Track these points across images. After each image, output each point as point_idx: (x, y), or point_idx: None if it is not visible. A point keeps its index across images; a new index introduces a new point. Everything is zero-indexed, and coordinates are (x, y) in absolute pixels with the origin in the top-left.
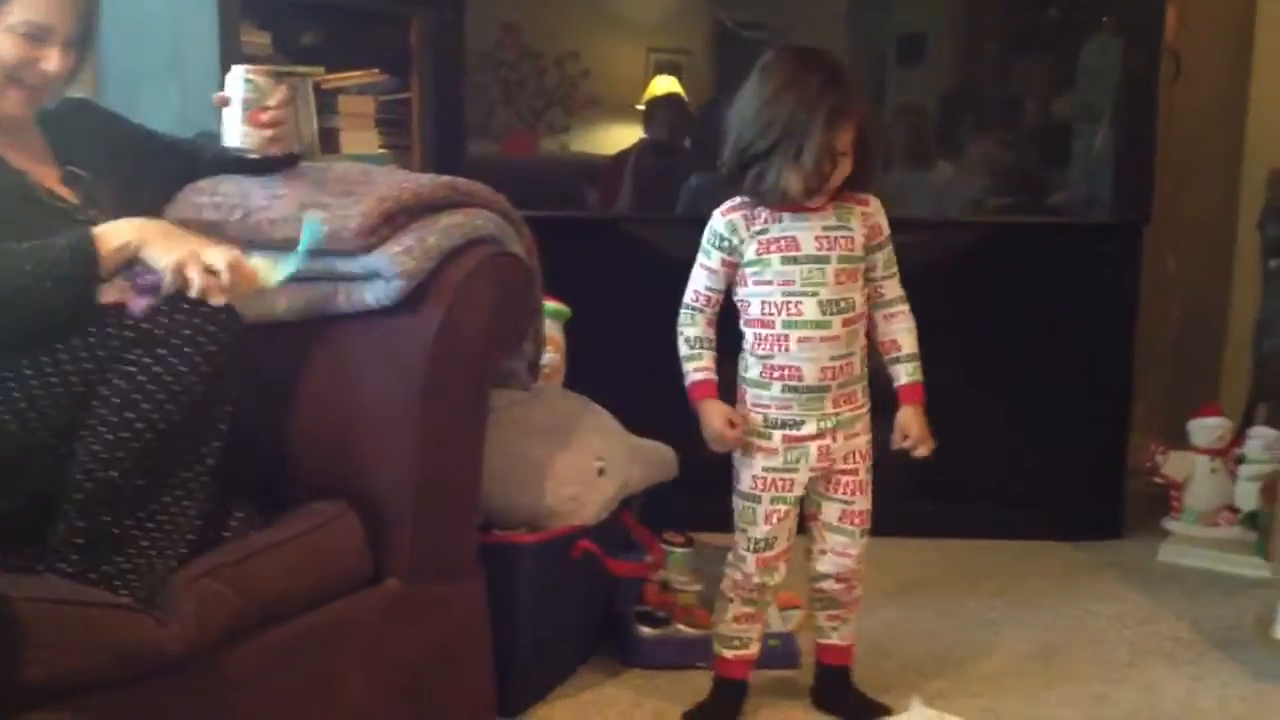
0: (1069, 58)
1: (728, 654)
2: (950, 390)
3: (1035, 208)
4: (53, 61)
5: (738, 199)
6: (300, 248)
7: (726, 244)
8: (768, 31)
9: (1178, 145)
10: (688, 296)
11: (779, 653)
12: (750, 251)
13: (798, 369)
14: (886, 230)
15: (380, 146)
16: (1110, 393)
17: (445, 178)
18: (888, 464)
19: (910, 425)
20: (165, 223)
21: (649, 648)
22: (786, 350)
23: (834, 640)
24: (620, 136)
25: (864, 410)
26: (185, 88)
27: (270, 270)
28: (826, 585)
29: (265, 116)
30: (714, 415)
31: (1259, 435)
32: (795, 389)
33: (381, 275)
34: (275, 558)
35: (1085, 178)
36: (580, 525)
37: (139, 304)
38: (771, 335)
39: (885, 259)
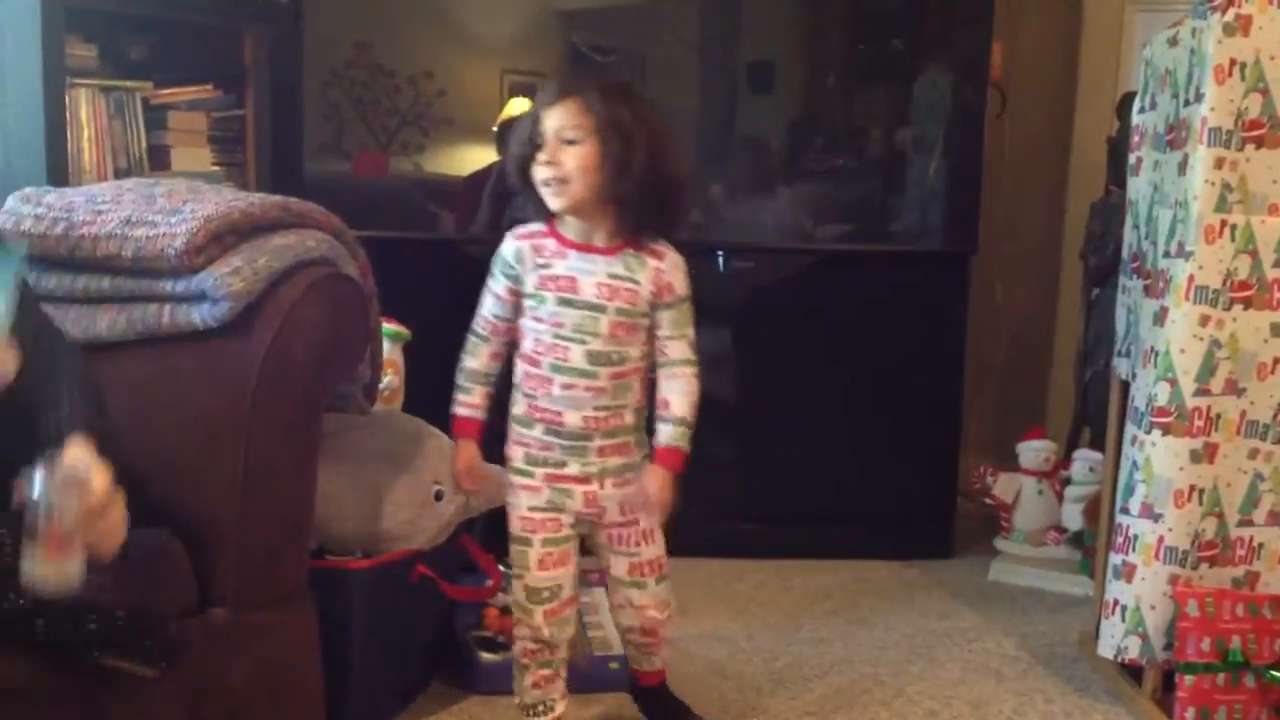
0: (905, 90)
1: None
2: (786, 412)
3: (872, 235)
4: None
5: (536, 225)
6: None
7: (512, 272)
8: (619, 55)
9: (1007, 177)
10: (476, 322)
11: (619, 675)
12: (530, 284)
13: (559, 414)
14: (680, 291)
15: (213, 164)
16: (941, 415)
17: (277, 197)
18: (725, 485)
19: (649, 485)
20: None
21: (488, 673)
22: (550, 394)
23: (645, 668)
24: (476, 157)
25: (638, 459)
26: (5, 102)
27: None
28: (633, 636)
29: None
30: (460, 457)
31: (1083, 457)
32: (557, 433)
33: (208, 296)
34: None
35: (919, 207)
36: (417, 549)
37: None
38: (538, 375)
39: (672, 319)
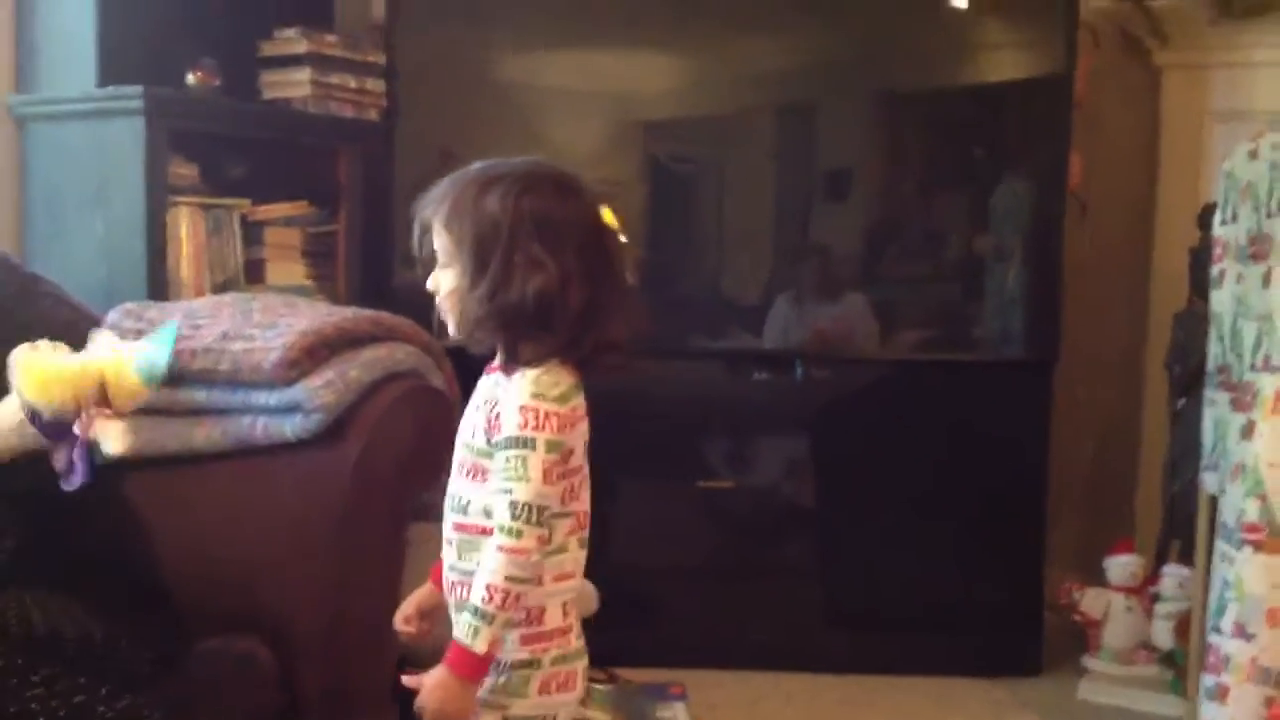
0: (983, 198)
1: None
2: (868, 522)
3: (951, 343)
4: None
5: None
6: (165, 347)
7: None
8: (698, 165)
9: (1088, 286)
10: None
11: None
12: None
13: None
14: (511, 429)
15: (306, 277)
16: (1025, 527)
17: (368, 312)
18: (806, 594)
19: (423, 688)
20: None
21: None
22: None
23: None
24: None
25: (498, 676)
26: (111, 218)
27: (147, 377)
28: None
29: None
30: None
31: (1172, 573)
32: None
33: (301, 408)
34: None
35: (999, 315)
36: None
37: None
38: None
39: (500, 466)
